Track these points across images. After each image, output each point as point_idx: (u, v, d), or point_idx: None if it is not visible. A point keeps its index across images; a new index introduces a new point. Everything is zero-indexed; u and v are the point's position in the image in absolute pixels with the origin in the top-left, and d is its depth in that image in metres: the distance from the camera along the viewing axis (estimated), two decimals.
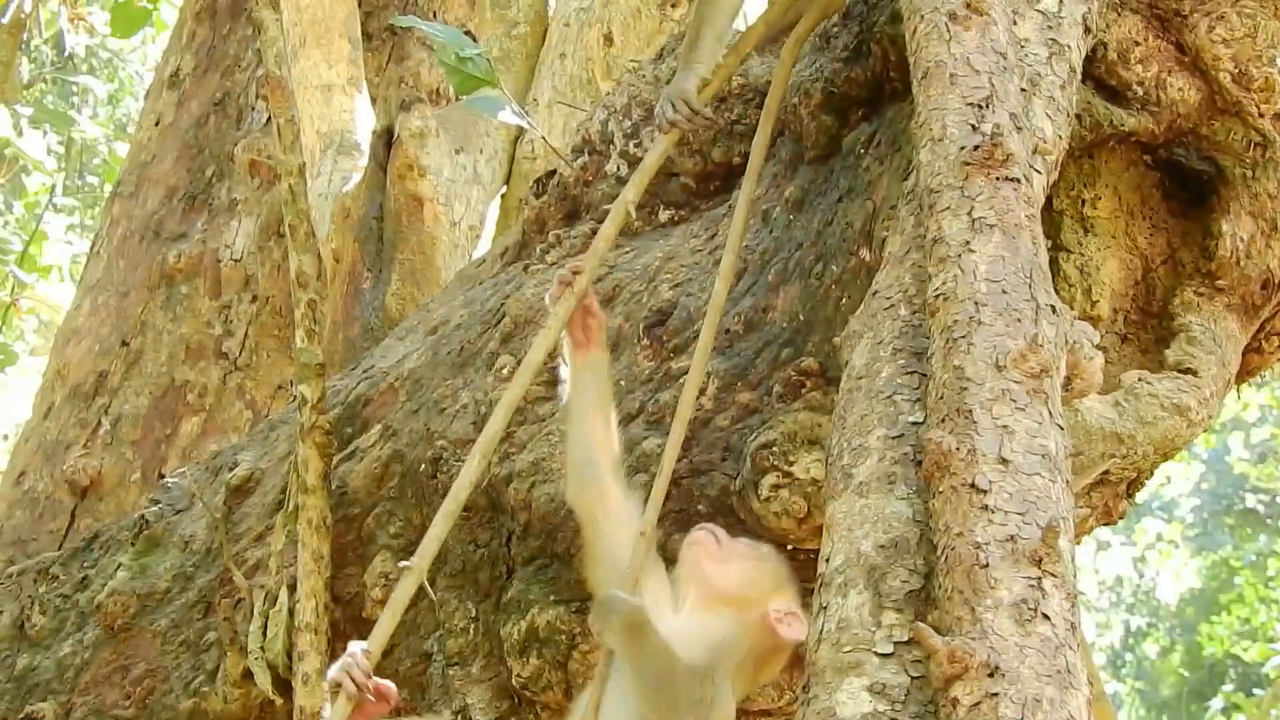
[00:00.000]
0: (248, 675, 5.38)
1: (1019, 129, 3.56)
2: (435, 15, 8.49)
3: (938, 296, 3.38)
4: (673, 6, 8.42)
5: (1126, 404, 4.13)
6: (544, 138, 6.22)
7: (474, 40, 5.75)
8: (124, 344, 8.01)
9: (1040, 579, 2.99)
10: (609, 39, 8.41)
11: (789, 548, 4.48)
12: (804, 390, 4.43)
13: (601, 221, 5.25)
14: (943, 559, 3.08)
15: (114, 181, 9.13)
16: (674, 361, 4.73)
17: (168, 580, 5.81)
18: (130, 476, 7.69)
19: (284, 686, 5.28)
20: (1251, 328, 4.49)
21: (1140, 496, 4.80)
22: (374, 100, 8.22)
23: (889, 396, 3.45)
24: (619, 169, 5.30)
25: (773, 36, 4.76)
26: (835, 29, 4.68)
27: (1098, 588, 27.58)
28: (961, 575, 3.01)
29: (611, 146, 5.42)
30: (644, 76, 5.44)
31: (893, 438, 3.37)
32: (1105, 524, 4.61)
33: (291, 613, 5.22)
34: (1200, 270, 4.38)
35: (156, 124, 8.71)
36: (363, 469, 5.31)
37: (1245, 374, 4.73)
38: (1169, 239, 4.41)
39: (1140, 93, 4.24)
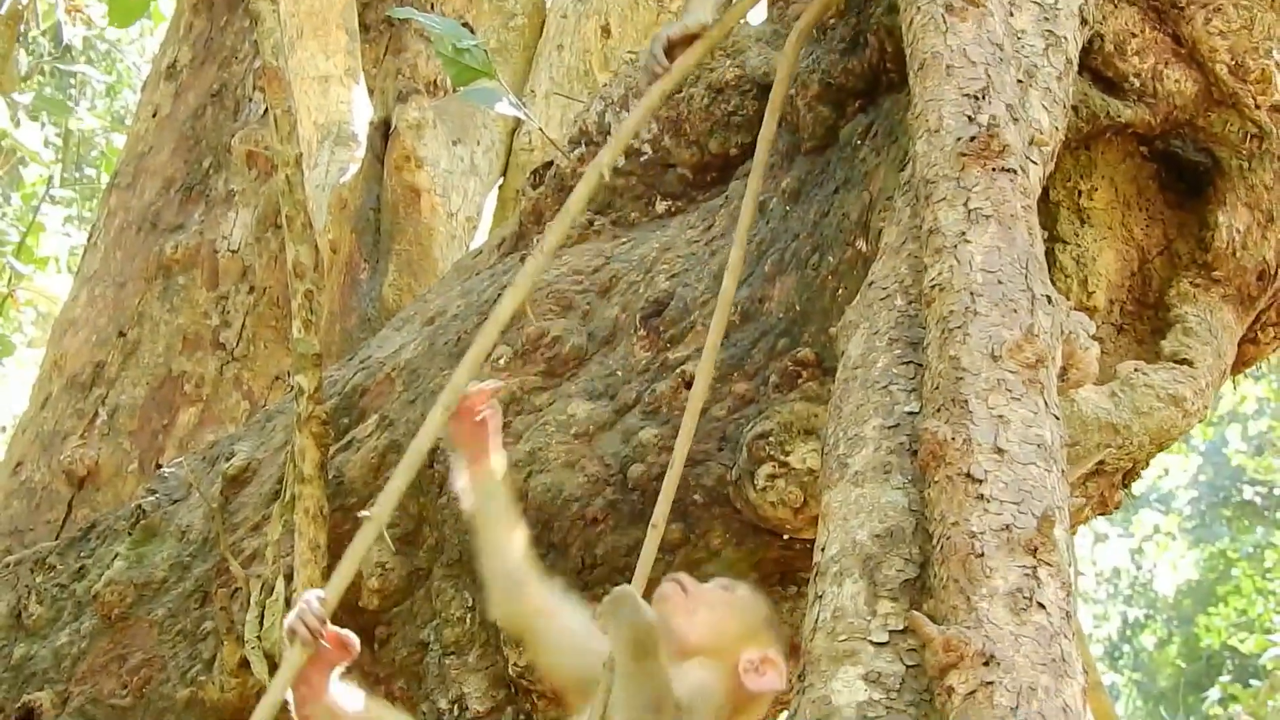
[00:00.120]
0: (244, 664, 5.39)
1: (1015, 120, 3.56)
2: (432, 7, 8.49)
3: (934, 287, 3.39)
4: None
5: (1122, 394, 4.13)
6: (541, 129, 6.23)
7: (471, 32, 5.74)
8: (121, 335, 8.01)
9: (1035, 568, 2.99)
10: (606, 31, 8.41)
11: (785, 537, 4.50)
12: (800, 380, 4.44)
13: (599, 213, 5.28)
14: (938, 548, 3.08)
15: (111, 173, 9.13)
16: (670, 352, 4.74)
17: (165, 570, 5.81)
18: (127, 466, 7.71)
19: None
20: (1247, 319, 4.50)
21: (1138, 488, 4.81)
22: (371, 91, 8.22)
23: (885, 386, 3.45)
24: (616, 160, 5.29)
25: None
26: (832, 20, 4.68)
27: (1095, 579, 27.62)
28: (957, 564, 3.02)
29: (608, 138, 5.41)
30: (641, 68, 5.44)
31: (888, 427, 3.38)
32: (1101, 514, 4.61)
33: (288, 602, 5.22)
34: (1196, 261, 4.39)
35: (154, 115, 8.72)
36: (359, 459, 5.31)
37: (1241, 365, 4.74)
38: (1165, 230, 4.42)
39: (1137, 84, 4.24)
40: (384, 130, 8.06)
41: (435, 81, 8.40)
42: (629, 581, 4.01)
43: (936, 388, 3.26)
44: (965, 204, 3.43)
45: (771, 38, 5.12)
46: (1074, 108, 4.01)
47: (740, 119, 5.07)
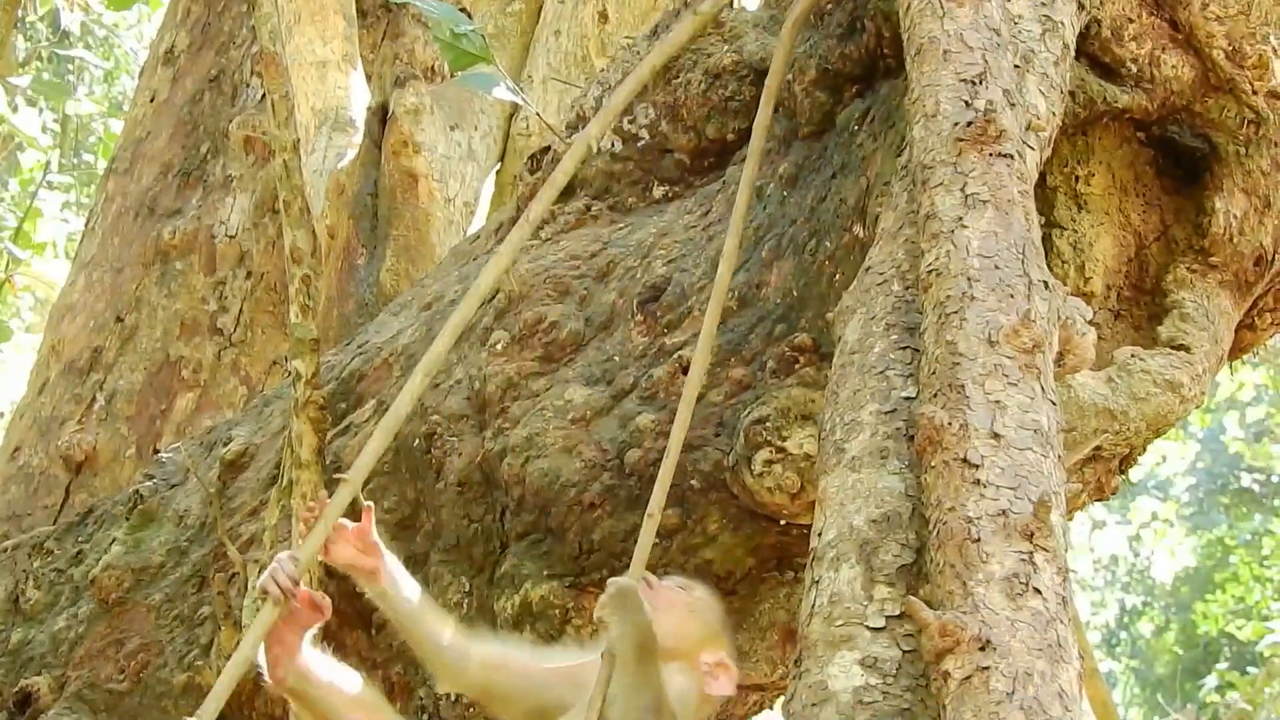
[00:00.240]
0: None
1: (1012, 105, 3.56)
2: None
3: (930, 272, 3.39)
4: None
5: (1119, 380, 4.14)
6: (539, 114, 6.21)
7: (469, 17, 5.73)
8: (119, 320, 8.01)
9: (1032, 553, 2.99)
10: (604, 16, 8.41)
11: (782, 523, 4.50)
12: (797, 366, 4.44)
13: (596, 198, 5.28)
14: (934, 533, 3.09)
15: (109, 158, 9.12)
16: (668, 337, 4.74)
17: (162, 555, 5.82)
18: (125, 452, 7.71)
19: None
20: (1244, 304, 4.50)
21: (1135, 475, 4.81)
22: (369, 77, 8.21)
23: (882, 372, 3.45)
24: (613, 145, 5.29)
25: None
26: (829, 5, 4.68)
27: (1093, 566, 27.61)
28: (953, 549, 3.02)
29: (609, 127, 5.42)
30: (638, 53, 5.43)
31: (885, 413, 3.38)
32: (1098, 499, 4.62)
33: None
34: (1193, 247, 4.39)
35: (151, 100, 8.71)
36: (357, 444, 5.31)
37: (1238, 350, 4.75)
38: (1162, 216, 4.42)
39: (1134, 70, 4.24)
40: (381, 115, 8.06)
41: (433, 67, 8.39)
42: (626, 568, 4.02)
43: (933, 373, 3.26)
44: (962, 189, 3.43)
45: (769, 23, 5.11)
46: (1071, 93, 4.01)
47: (737, 104, 5.07)
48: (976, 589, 2.97)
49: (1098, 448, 4.19)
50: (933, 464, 3.15)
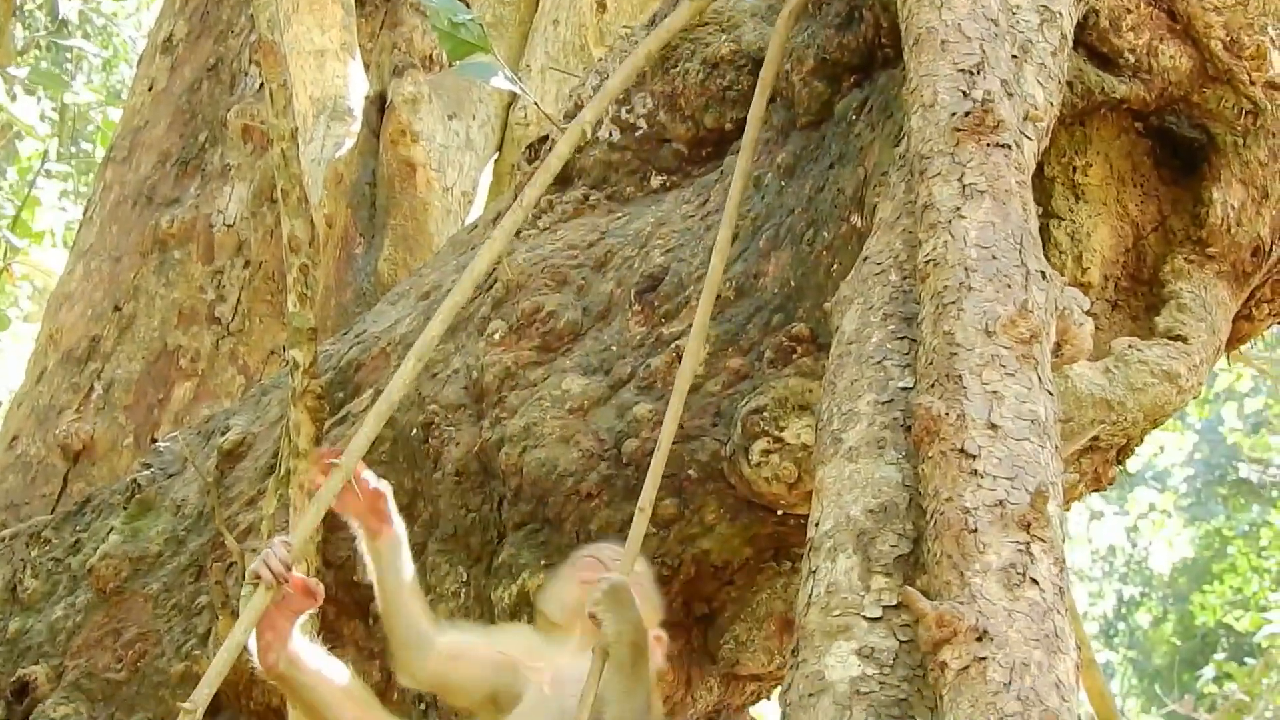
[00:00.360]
0: None
1: (1010, 95, 3.56)
2: None
3: (928, 262, 3.39)
4: None
5: (1116, 370, 4.14)
6: (537, 104, 6.20)
7: (467, 6, 5.75)
8: (117, 309, 8.00)
9: (1029, 544, 3.00)
10: (601, 5, 8.40)
11: (780, 513, 4.50)
12: (795, 356, 4.44)
13: (594, 188, 5.27)
14: (932, 524, 3.09)
15: (107, 147, 9.11)
16: (665, 327, 4.74)
17: (159, 544, 5.82)
18: (123, 441, 7.70)
19: None
20: (1242, 295, 4.50)
21: (1133, 466, 4.82)
22: (367, 66, 8.20)
23: (879, 362, 3.45)
24: (611, 134, 5.29)
25: None
26: None
27: (1091, 557, 27.61)
28: (950, 540, 3.02)
29: (604, 112, 5.41)
30: (636, 42, 5.43)
31: (882, 403, 3.38)
32: (1095, 490, 4.62)
33: None
34: (1191, 237, 4.38)
35: (150, 89, 8.70)
36: (354, 433, 5.30)
37: (1235, 341, 4.74)
38: (1160, 206, 4.42)
39: (1132, 60, 4.24)
40: (379, 105, 8.06)
41: (431, 56, 8.38)
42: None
43: (930, 363, 3.26)
44: (960, 179, 3.43)
45: (767, 13, 5.11)
46: (1069, 83, 4.01)
47: (735, 94, 5.06)
48: (974, 579, 2.97)
49: (1095, 438, 4.19)
50: (930, 454, 3.15)
